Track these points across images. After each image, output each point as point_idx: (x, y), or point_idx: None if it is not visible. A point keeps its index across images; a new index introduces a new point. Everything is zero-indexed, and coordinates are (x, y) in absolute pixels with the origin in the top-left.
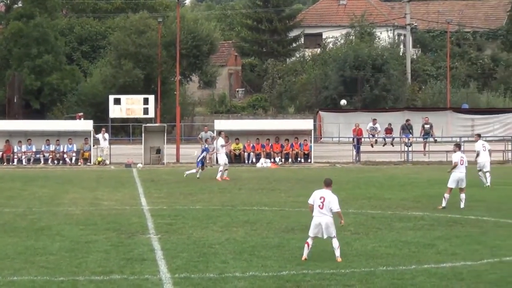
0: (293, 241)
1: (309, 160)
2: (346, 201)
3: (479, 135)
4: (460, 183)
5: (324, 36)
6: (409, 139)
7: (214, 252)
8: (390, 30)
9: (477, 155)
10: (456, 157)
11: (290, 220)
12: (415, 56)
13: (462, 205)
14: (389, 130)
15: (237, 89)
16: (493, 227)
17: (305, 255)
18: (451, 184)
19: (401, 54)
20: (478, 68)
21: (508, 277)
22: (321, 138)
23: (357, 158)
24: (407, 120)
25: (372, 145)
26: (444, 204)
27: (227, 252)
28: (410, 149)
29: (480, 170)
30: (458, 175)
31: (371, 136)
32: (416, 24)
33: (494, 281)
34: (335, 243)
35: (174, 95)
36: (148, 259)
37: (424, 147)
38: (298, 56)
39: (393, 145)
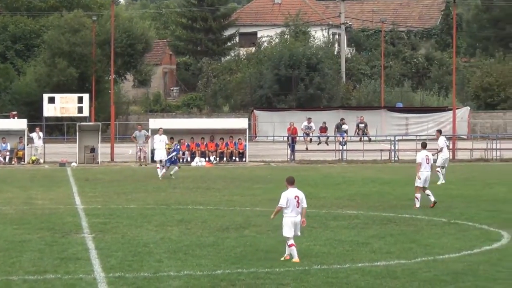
0: (228, 240)
1: (243, 159)
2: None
3: (439, 131)
4: (426, 181)
5: (259, 35)
6: (343, 138)
7: (149, 251)
8: (325, 29)
9: (440, 150)
10: (420, 156)
11: (225, 219)
12: (349, 55)
13: (432, 199)
14: (323, 129)
15: (172, 88)
16: (427, 226)
17: (296, 257)
18: (419, 183)
19: (335, 53)
20: (412, 67)
21: (442, 275)
22: (256, 137)
23: (292, 157)
24: (342, 119)
25: (307, 148)
26: (418, 204)
27: (161, 251)
28: (344, 148)
29: (443, 167)
30: (425, 174)
31: (305, 135)
32: (350, 23)
33: (428, 280)
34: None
35: (108, 94)
36: (82, 258)
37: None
38: (233, 55)
39: (327, 144)
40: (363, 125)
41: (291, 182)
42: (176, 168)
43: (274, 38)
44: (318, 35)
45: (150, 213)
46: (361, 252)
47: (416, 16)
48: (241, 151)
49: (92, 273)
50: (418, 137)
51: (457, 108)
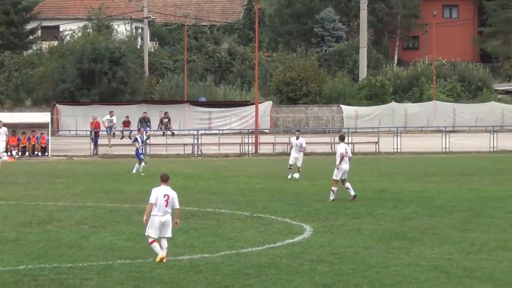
0: (30, 235)
1: (46, 154)
2: (84, 195)
3: (299, 131)
4: (344, 174)
5: (61, 29)
6: (146, 132)
7: None
8: (128, 23)
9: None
10: (341, 148)
11: (27, 214)
12: (152, 49)
13: (352, 193)
14: (126, 123)
15: None
16: (230, 219)
17: (162, 254)
18: (337, 176)
19: (138, 47)
20: (215, 62)
21: (245, 268)
22: (58, 131)
23: (95, 151)
24: (144, 113)
25: (110, 146)
26: (332, 197)
27: None
28: (148, 142)
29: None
30: (344, 167)
31: (108, 129)
32: (153, 17)
33: (231, 273)
34: (166, 243)
35: None
36: None
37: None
38: (35, 48)
39: (130, 138)
40: (166, 119)
41: (164, 179)
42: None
43: (76, 32)
44: (121, 29)
45: None
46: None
47: (219, 11)
48: (43, 145)
49: None
50: (221, 131)
51: (259, 103)
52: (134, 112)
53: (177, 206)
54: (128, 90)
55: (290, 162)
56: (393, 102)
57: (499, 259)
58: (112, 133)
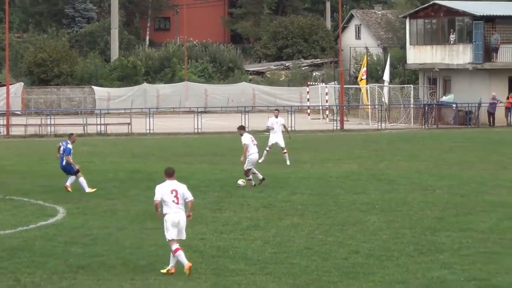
0: None
1: None
2: None
3: (277, 109)
4: (254, 163)
5: None
6: None
7: None
8: None
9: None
10: (246, 139)
11: None
12: None
13: (259, 177)
14: None
15: None
16: None
17: (188, 263)
18: (249, 165)
19: None
20: None
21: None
22: None
23: None
24: None
25: None
26: (253, 182)
27: None
28: None
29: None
30: (254, 156)
31: None
32: None
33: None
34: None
35: None
36: None
37: None
38: None
39: None
40: None
41: (169, 174)
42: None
43: None
44: None
45: None
46: None
47: None
48: None
49: None
50: None
51: (10, 84)
52: None
53: (190, 198)
54: None
55: (271, 143)
56: (145, 83)
57: (252, 238)
58: None
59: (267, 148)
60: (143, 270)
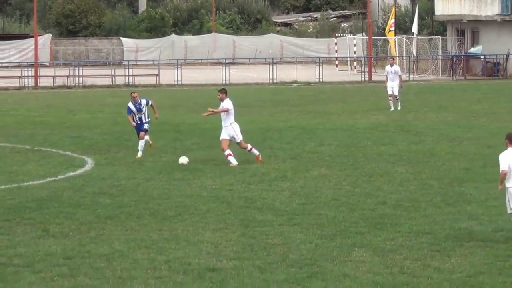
0: None
1: None
2: None
3: (392, 58)
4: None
5: None
6: None
7: None
8: None
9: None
10: (228, 104)
11: None
12: None
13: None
14: None
15: None
16: (10, 153)
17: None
18: (225, 136)
19: None
20: None
21: (26, 202)
22: None
23: None
24: None
25: None
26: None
27: None
28: None
29: None
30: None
31: None
32: None
33: (13, 207)
34: None
35: None
36: None
37: None
38: None
39: None
40: None
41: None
42: None
43: None
44: None
45: None
46: None
47: None
48: None
49: None
50: (0, 64)
51: (39, 35)
52: None
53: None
54: None
55: (389, 92)
56: (173, 35)
57: (279, 189)
58: None
59: (390, 98)
60: (170, 221)
